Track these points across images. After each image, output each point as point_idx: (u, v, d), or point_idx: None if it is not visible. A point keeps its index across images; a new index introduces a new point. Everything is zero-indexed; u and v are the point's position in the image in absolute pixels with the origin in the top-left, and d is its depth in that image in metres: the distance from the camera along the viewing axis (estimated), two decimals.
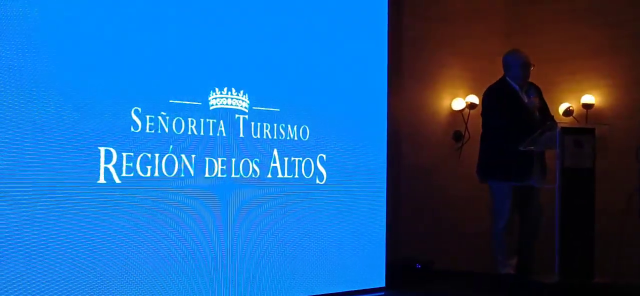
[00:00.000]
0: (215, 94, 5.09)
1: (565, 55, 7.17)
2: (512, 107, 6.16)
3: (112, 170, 4.63)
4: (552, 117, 6.39)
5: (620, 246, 5.94)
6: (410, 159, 6.87)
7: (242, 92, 5.21)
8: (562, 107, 7.00)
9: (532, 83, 6.30)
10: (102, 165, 4.59)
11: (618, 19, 6.94)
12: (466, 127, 7.15)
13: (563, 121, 6.75)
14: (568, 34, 7.23)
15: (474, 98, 7.11)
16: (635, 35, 6.83)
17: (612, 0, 7.01)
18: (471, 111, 7.12)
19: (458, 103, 7.13)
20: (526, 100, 6.22)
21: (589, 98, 7.02)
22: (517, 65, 6.23)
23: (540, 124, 5.97)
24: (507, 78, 6.29)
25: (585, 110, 7.03)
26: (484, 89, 6.50)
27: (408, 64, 6.89)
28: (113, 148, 4.63)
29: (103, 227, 4.57)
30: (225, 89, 5.13)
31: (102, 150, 4.58)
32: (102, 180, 4.58)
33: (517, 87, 6.24)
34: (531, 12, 7.48)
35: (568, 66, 7.15)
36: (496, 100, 6.25)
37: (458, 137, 7.19)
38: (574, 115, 6.99)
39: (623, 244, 5.96)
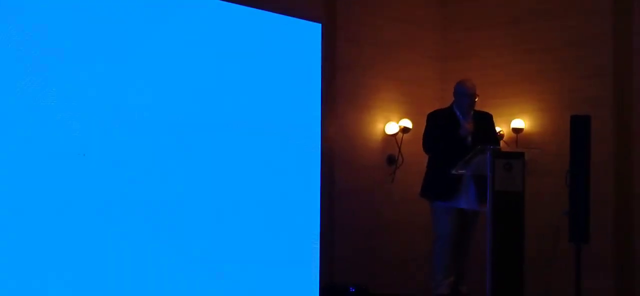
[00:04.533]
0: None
1: (496, 80, 7.28)
2: (446, 130, 6.24)
3: None
4: (498, 142, 6.51)
5: (549, 268, 6.03)
6: (344, 183, 6.88)
7: (177, 113, 5.17)
8: None
9: (480, 112, 6.39)
10: None
11: (547, 46, 7.09)
12: (399, 151, 7.19)
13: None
14: (499, 60, 7.34)
15: (408, 123, 7.16)
16: (563, 60, 6.98)
17: (541, 28, 7.15)
18: (404, 135, 7.17)
19: (391, 127, 7.17)
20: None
21: (518, 122, 7.14)
22: (461, 94, 6.35)
23: (471, 148, 6.06)
24: (454, 106, 6.41)
25: (515, 135, 7.14)
26: (418, 113, 6.56)
27: (342, 88, 6.90)
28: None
29: None
30: (160, 113, 5.09)
31: None
32: None
33: (459, 114, 6.34)
34: (464, 38, 7.59)
35: (499, 91, 7.26)
36: (431, 121, 6.37)
37: (391, 160, 7.22)
38: (504, 139, 7.09)
39: (552, 266, 6.05)
